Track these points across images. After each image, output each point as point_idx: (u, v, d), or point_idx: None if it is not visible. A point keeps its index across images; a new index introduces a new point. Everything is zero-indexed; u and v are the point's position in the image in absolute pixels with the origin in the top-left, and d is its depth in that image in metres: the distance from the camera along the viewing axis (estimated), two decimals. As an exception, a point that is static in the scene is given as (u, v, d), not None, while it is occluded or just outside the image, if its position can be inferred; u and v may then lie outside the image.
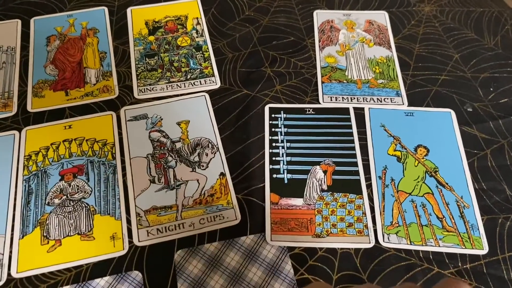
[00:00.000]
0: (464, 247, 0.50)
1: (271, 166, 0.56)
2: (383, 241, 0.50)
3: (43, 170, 0.55)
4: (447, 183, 0.54)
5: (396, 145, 0.57)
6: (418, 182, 0.54)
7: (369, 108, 0.60)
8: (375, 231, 0.51)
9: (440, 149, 0.57)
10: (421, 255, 0.50)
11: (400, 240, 0.50)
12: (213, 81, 0.63)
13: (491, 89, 0.63)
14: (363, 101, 0.61)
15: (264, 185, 0.55)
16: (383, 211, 0.52)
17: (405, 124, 0.59)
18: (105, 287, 0.48)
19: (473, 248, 0.50)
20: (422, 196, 0.53)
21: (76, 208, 0.52)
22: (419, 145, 0.57)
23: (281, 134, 0.59)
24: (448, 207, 0.52)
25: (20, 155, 0.56)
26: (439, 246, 0.50)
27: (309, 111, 0.61)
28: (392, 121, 0.59)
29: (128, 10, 0.71)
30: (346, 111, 0.60)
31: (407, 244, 0.50)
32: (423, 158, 0.56)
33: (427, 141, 0.57)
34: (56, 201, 0.53)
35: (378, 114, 0.60)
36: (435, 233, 0.51)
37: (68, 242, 0.50)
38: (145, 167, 0.56)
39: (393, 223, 0.51)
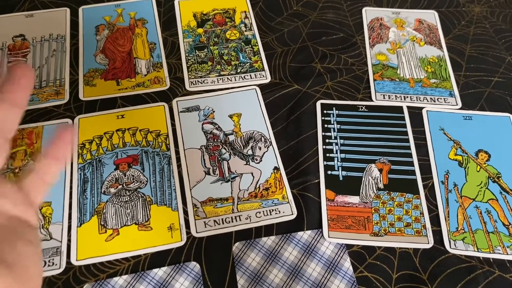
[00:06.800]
0: None
1: (325, 163, 0.56)
2: (450, 247, 0.49)
3: (98, 159, 0.55)
4: (511, 190, 0.53)
5: (456, 149, 0.56)
6: (482, 187, 0.53)
7: (427, 111, 0.60)
8: (440, 233, 0.50)
9: (501, 154, 0.56)
10: (481, 257, 0.49)
11: (467, 247, 0.49)
12: (263, 75, 0.63)
13: (545, 92, 0.63)
14: (416, 100, 0.61)
15: (319, 181, 0.54)
16: (448, 216, 0.51)
17: (464, 128, 0.58)
18: (163, 277, 0.47)
19: None
20: (486, 202, 0.52)
21: (132, 198, 0.52)
22: (479, 150, 0.56)
23: (334, 131, 0.58)
24: (514, 214, 0.52)
25: (74, 144, 0.56)
26: (507, 254, 0.49)
27: (361, 108, 0.60)
28: (451, 125, 0.58)
29: (176, 1, 0.71)
30: (399, 109, 0.60)
31: (474, 251, 0.49)
32: (484, 163, 0.55)
33: (488, 146, 0.56)
34: (112, 190, 0.52)
35: (436, 117, 0.59)
36: (502, 240, 0.50)
37: (126, 232, 0.50)
38: (199, 159, 0.55)
39: (459, 229, 0.51)
